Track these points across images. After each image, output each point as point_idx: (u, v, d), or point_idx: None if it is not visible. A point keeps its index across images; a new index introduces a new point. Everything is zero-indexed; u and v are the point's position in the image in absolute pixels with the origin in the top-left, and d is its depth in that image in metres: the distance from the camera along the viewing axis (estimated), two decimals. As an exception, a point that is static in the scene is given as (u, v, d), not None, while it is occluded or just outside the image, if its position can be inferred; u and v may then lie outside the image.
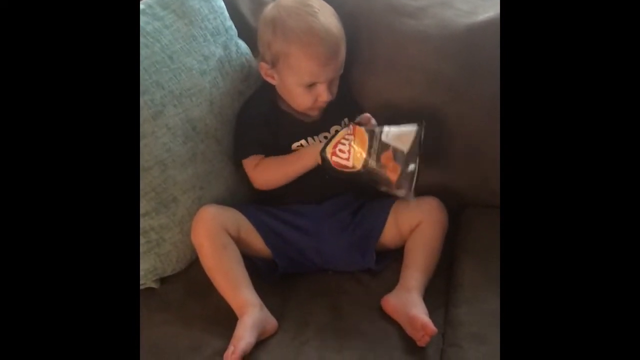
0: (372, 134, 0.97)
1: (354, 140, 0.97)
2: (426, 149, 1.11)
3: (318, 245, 1.07)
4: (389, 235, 1.08)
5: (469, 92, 1.09)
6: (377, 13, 1.13)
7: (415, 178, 0.96)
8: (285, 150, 1.09)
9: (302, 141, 1.09)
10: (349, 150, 0.97)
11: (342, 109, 1.13)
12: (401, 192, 0.97)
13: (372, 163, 0.96)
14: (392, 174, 0.96)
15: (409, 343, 0.94)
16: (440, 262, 1.06)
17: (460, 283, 1.03)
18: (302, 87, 1.04)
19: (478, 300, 0.98)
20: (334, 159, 0.98)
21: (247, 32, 1.13)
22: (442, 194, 1.11)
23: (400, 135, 0.97)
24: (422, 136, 0.96)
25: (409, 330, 0.95)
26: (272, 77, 1.08)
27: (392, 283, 1.03)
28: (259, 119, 1.09)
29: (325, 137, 1.09)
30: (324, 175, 1.00)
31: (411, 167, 0.95)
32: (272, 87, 1.10)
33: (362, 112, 1.15)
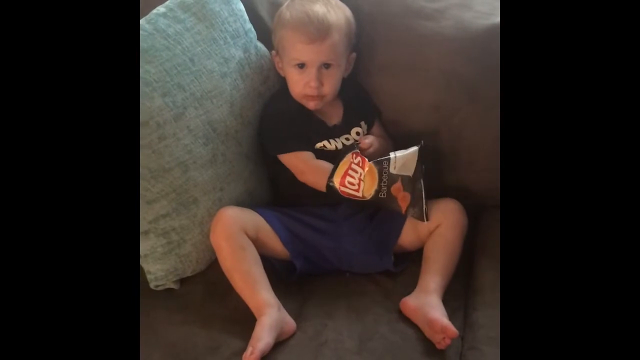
0: (381, 168, 1.01)
1: (365, 175, 1.00)
2: (440, 156, 1.12)
3: (336, 246, 1.07)
4: (408, 237, 1.08)
5: (488, 94, 1.08)
6: (395, 15, 1.13)
7: (424, 198, 1.01)
8: (310, 148, 1.09)
9: (325, 142, 1.10)
10: (359, 183, 1.01)
11: (361, 111, 1.14)
12: (413, 215, 1.03)
13: (383, 195, 1.01)
14: (403, 203, 1.01)
15: (427, 346, 0.94)
16: (460, 265, 1.05)
17: (479, 286, 1.02)
18: (294, 68, 1.07)
19: (498, 303, 0.97)
20: (343, 189, 1.01)
21: (265, 34, 1.14)
22: (461, 195, 1.10)
23: (405, 162, 1.01)
24: (422, 155, 1.01)
25: (428, 333, 0.94)
26: (281, 68, 1.11)
27: (410, 285, 1.02)
28: (290, 113, 1.10)
29: (347, 139, 1.11)
30: (329, 195, 1.02)
31: (418, 188, 1.01)
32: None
33: (380, 115, 1.16)
